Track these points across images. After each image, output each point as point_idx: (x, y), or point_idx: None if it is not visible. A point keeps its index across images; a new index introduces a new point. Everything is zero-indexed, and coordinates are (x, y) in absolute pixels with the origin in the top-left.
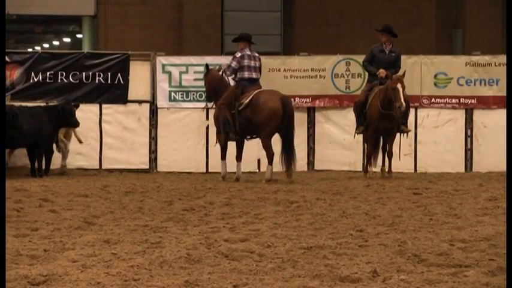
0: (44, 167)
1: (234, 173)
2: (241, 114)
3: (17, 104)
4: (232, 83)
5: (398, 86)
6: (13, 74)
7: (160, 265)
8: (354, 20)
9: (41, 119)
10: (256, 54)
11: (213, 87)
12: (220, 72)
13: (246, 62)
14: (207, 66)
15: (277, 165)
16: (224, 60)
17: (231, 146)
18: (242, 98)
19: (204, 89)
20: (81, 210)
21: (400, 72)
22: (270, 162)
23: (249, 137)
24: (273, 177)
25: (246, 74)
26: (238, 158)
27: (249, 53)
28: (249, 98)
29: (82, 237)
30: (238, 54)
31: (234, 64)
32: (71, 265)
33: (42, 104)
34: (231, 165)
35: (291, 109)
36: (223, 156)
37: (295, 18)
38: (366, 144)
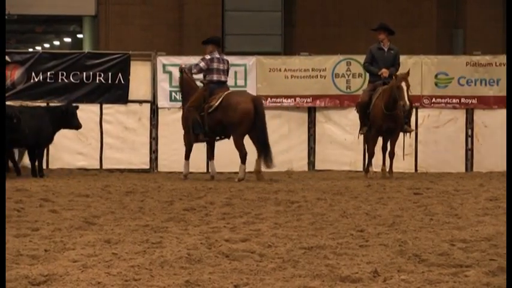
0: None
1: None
2: (210, 116)
3: (17, 104)
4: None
5: (403, 84)
6: (14, 74)
7: (161, 265)
8: (354, 20)
9: (42, 119)
10: (225, 57)
11: (184, 90)
12: (179, 70)
13: (215, 65)
14: (181, 70)
15: (279, 166)
16: None
17: (198, 148)
18: (211, 100)
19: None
20: (81, 210)
21: (404, 71)
22: (243, 161)
23: (217, 138)
24: (245, 176)
25: (215, 77)
26: (211, 157)
27: (218, 56)
28: (218, 100)
29: (83, 237)
30: (207, 57)
31: (202, 64)
32: (72, 265)
33: (43, 105)
34: (235, 166)
35: (262, 109)
36: (187, 157)
37: (296, 18)
38: (366, 144)
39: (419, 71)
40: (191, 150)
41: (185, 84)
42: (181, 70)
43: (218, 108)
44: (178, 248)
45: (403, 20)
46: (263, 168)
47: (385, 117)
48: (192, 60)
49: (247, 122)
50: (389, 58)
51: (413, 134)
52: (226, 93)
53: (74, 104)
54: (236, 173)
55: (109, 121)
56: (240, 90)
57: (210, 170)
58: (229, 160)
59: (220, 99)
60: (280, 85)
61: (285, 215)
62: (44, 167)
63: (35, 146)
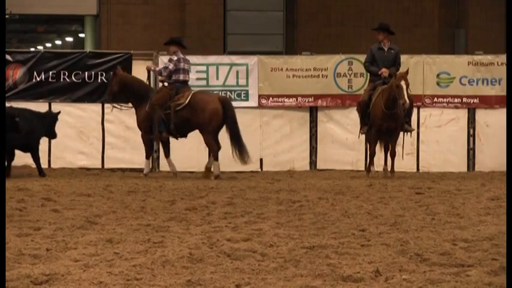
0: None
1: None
2: (177, 114)
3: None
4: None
5: (402, 83)
6: (16, 74)
7: (163, 264)
8: (356, 19)
9: (34, 122)
10: (187, 58)
11: (126, 87)
12: (151, 70)
13: (181, 65)
14: (115, 67)
15: (280, 165)
16: (227, 59)
17: (200, 149)
18: (178, 98)
19: (206, 89)
20: (83, 209)
21: (403, 70)
22: (216, 158)
23: (179, 136)
24: (221, 172)
25: (181, 77)
26: (167, 154)
27: (182, 56)
28: (187, 99)
29: (84, 236)
30: (174, 58)
31: (171, 66)
32: (74, 264)
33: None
34: (236, 165)
35: (232, 107)
36: (148, 156)
37: (297, 18)
38: (368, 144)
39: (421, 70)
40: (153, 148)
41: (127, 82)
42: (149, 70)
43: (186, 107)
44: (180, 248)
45: (404, 20)
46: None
47: (385, 116)
48: (195, 60)
49: (215, 121)
50: (390, 58)
51: (415, 133)
52: (193, 92)
53: (56, 111)
54: (238, 172)
55: (111, 121)
56: (206, 90)
57: (170, 168)
58: (230, 159)
59: (189, 98)
60: (281, 85)
61: (287, 215)
62: (46, 166)
63: (30, 148)
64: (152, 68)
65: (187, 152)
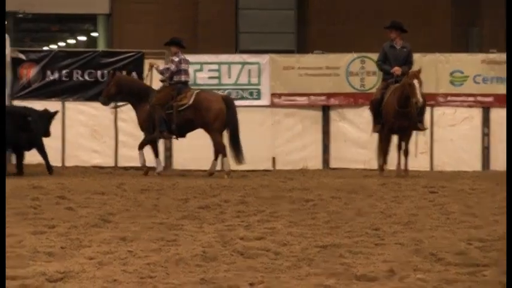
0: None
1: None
2: (180, 114)
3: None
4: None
5: (415, 81)
6: (29, 73)
7: (176, 263)
8: (368, 17)
9: (38, 120)
10: (188, 58)
11: (124, 88)
12: (154, 68)
13: (183, 66)
14: (114, 69)
15: (293, 164)
16: (239, 58)
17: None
18: (181, 99)
19: (218, 88)
20: (97, 207)
21: (416, 68)
22: (225, 154)
23: (179, 136)
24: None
25: (183, 78)
26: (157, 155)
27: (182, 57)
28: (191, 99)
29: (98, 234)
30: (176, 59)
31: (173, 68)
32: (88, 262)
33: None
34: (251, 164)
35: (234, 107)
36: (157, 154)
37: (309, 16)
38: (380, 142)
39: (434, 69)
40: (146, 145)
41: (125, 83)
42: (152, 67)
43: (190, 107)
44: (194, 246)
45: (417, 18)
46: (236, 167)
47: (397, 115)
48: (206, 58)
49: (221, 120)
50: (402, 56)
51: (428, 132)
52: (196, 92)
53: (54, 111)
54: (251, 171)
55: (124, 119)
56: (209, 91)
57: (157, 168)
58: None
59: (192, 99)
60: (294, 83)
61: (300, 213)
62: (59, 164)
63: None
64: (155, 66)
65: (201, 150)
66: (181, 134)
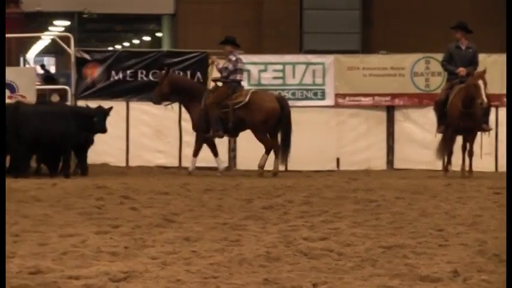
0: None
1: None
2: (235, 112)
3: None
4: None
5: (480, 82)
6: (94, 73)
7: (240, 263)
8: (433, 18)
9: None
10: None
11: (178, 88)
12: (215, 65)
13: (239, 65)
14: (167, 66)
15: (357, 164)
16: (303, 58)
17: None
18: (236, 97)
19: (282, 88)
20: (161, 207)
21: (481, 69)
22: (268, 152)
23: (235, 135)
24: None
25: (239, 77)
26: (216, 154)
27: (239, 56)
28: (247, 97)
29: (162, 234)
30: (233, 58)
31: (231, 67)
32: (151, 262)
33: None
34: (314, 164)
35: (288, 108)
36: (196, 154)
37: (374, 17)
38: (445, 143)
39: (498, 69)
40: (200, 149)
41: (179, 82)
42: (213, 63)
43: (245, 105)
44: (257, 246)
45: (482, 18)
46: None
47: (462, 116)
48: (271, 59)
49: (272, 121)
50: (468, 57)
51: (493, 133)
52: (252, 91)
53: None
54: (315, 171)
55: (188, 119)
56: (263, 90)
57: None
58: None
59: (248, 97)
60: (358, 83)
61: (364, 214)
62: (123, 164)
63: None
64: (216, 63)
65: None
66: (236, 132)
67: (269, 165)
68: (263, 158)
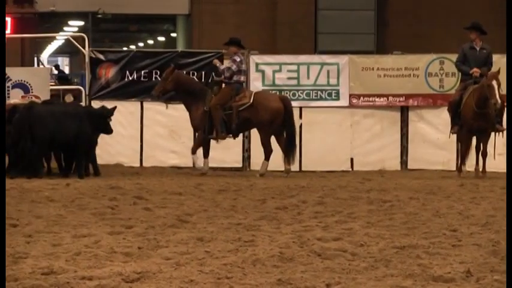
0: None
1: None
2: (239, 114)
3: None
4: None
5: (494, 82)
6: (108, 73)
7: (253, 263)
8: (447, 18)
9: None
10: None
11: (182, 86)
12: (217, 66)
13: (243, 66)
14: (174, 65)
15: (371, 165)
16: (318, 59)
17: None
18: (240, 99)
19: (297, 88)
20: (174, 208)
21: (495, 70)
22: (268, 158)
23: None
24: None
25: (242, 78)
26: (207, 155)
27: (243, 57)
28: (251, 99)
29: (176, 235)
30: (238, 59)
31: (234, 67)
32: (165, 263)
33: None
34: (326, 165)
35: (291, 108)
36: (194, 151)
37: (388, 17)
38: (459, 144)
39: None
40: (199, 148)
41: (185, 81)
42: (221, 72)
43: (249, 107)
44: (271, 247)
45: (496, 18)
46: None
47: (476, 116)
48: (286, 59)
49: (278, 121)
50: (482, 57)
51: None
52: (255, 92)
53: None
54: (329, 171)
55: None
56: (266, 91)
57: (197, 166)
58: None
59: (252, 98)
60: (372, 84)
61: (377, 214)
62: (138, 164)
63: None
64: (218, 64)
65: (278, 150)
66: (238, 133)
67: (278, 166)
68: (264, 166)
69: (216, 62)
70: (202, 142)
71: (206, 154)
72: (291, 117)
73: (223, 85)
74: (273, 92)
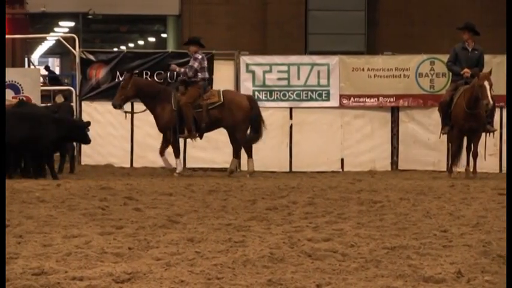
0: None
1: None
2: (209, 113)
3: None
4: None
5: (485, 83)
6: (99, 73)
7: (244, 264)
8: (438, 18)
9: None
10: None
11: (145, 90)
12: (176, 71)
13: (205, 63)
14: (131, 70)
15: (361, 166)
16: (308, 59)
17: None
18: (208, 97)
19: (287, 89)
20: (165, 208)
21: (486, 70)
22: (251, 155)
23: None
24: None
25: (207, 75)
26: (163, 152)
27: (204, 55)
28: (221, 98)
29: (166, 235)
30: (199, 56)
31: (196, 65)
32: (155, 263)
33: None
34: (319, 165)
35: (258, 107)
36: (178, 155)
37: (379, 18)
38: (450, 144)
39: (504, 70)
40: (167, 148)
41: (146, 85)
42: (173, 71)
43: (220, 105)
44: (261, 247)
45: (487, 19)
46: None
47: (467, 116)
48: (276, 60)
49: (248, 120)
50: (474, 58)
51: (497, 134)
52: (222, 90)
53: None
54: (319, 172)
55: None
56: (231, 89)
57: (165, 165)
58: (312, 160)
59: (222, 97)
60: (363, 84)
61: (368, 215)
62: (128, 165)
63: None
64: (177, 69)
65: (269, 151)
66: (207, 132)
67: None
68: (250, 164)
69: (175, 67)
70: (172, 142)
71: (177, 154)
72: (259, 115)
73: (190, 84)
74: (265, 92)
